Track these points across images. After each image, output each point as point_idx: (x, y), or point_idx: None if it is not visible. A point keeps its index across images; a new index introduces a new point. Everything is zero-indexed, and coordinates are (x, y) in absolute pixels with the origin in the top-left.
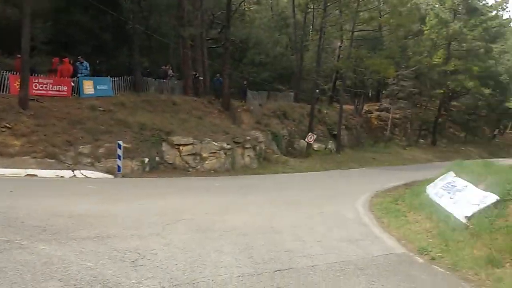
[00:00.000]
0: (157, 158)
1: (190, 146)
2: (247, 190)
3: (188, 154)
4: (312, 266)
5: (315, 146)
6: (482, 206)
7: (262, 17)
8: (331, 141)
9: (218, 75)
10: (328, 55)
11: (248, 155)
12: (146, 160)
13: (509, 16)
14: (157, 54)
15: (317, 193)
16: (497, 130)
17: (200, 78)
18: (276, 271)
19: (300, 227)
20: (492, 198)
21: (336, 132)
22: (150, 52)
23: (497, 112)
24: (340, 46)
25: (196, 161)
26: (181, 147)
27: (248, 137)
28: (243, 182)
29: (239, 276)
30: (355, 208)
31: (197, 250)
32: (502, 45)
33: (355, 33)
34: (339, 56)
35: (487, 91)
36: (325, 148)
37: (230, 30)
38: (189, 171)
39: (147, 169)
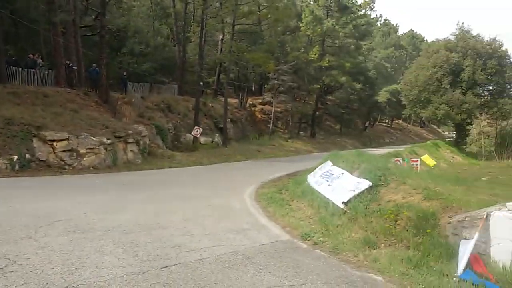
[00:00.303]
0: (27, 156)
1: (65, 142)
2: (131, 187)
3: (63, 151)
4: (201, 260)
5: (202, 139)
6: (357, 191)
7: (141, 5)
8: (217, 135)
9: (94, 65)
10: (211, 48)
11: (131, 150)
12: (15, 158)
13: (376, 15)
14: (25, 42)
15: (204, 187)
16: (368, 122)
17: (74, 68)
18: (163, 267)
19: (188, 221)
20: (366, 184)
21: (222, 125)
22: (17, 40)
23: (367, 105)
24: (222, 39)
25: (73, 158)
26: (54, 143)
27: (131, 131)
28: (126, 178)
29: (123, 276)
30: (242, 199)
31: (76, 252)
32: (370, 43)
33: (236, 27)
34: (221, 49)
35: (358, 85)
36: (212, 142)
37: (106, 17)
38: (65, 169)
39: (17, 167)
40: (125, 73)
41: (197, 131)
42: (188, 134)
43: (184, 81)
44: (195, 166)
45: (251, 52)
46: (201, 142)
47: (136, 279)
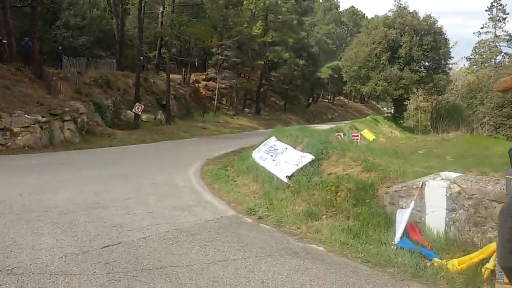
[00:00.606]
0: None
1: None
2: (69, 167)
3: None
4: (144, 238)
5: (144, 117)
6: (300, 165)
7: None
8: (160, 112)
9: (26, 38)
10: (151, 21)
11: (68, 129)
12: None
13: None
14: None
15: (148, 165)
16: (311, 98)
17: (3, 41)
18: (104, 247)
19: (130, 199)
20: (308, 158)
21: (165, 102)
22: None
23: (311, 82)
24: (163, 12)
25: (6, 137)
26: None
27: (67, 109)
28: (64, 158)
29: (62, 257)
30: (187, 177)
31: (10, 234)
32: (312, 18)
33: None
34: (162, 22)
35: (301, 62)
36: (155, 119)
37: None
38: None
39: None
40: (60, 47)
41: (138, 108)
42: (128, 111)
43: (123, 56)
44: (137, 144)
45: (193, 26)
46: (143, 120)
47: (75, 260)
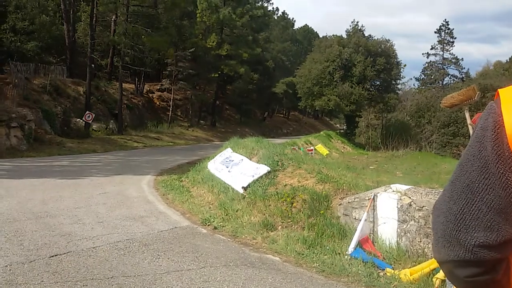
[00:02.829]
0: None
1: None
2: (15, 174)
3: None
4: (94, 248)
5: (95, 126)
6: (256, 176)
7: None
8: (112, 121)
9: None
10: (104, 29)
11: (15, 136)
12: None
13: (272, 8)
14: None
15: (98, 175)
16: (266, 113)
17: None
18: (52, 256)
19: (79, 209)
20: (264, 169)
21: (117, 112)
22: None
23: (266, 96)
24: (115, 20)
25: None
26: None
27: (14, 115)
28: (9, 166)
29: (7, 266)
30: (140, 187)
31: None
32: (268, 34)
33: (131, 8)
34: (114, 31)
35: (256, 76)
36: (106, 128)
37: None
38: None
39: None
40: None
41: (88, 117)
42: (79, 120)
43: (74, 63)
44: (88, 153)
45: (150, 36)
46: (94, 129)
47: (21, 268)
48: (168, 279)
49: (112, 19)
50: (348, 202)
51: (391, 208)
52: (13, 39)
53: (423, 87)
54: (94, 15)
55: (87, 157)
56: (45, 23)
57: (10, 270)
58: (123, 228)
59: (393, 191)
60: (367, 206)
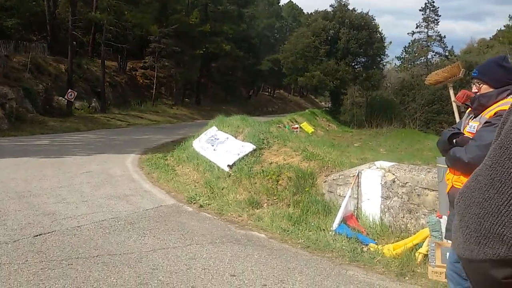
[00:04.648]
0: None
1: None
2: None
3: None
4: (78, 227)
5: (77, 104)
6: (242, 155)
7: None
8: (94, 99)
9: None
10: (85, 5)
11: None
12: None
13: None
14: None
15: (81, 153)
16: (252, 91)
17: None
18: (36, 235)
19: (62, 188)
20: (250, 147)
21: (99, 90)
22: None
23: (251, 74)
24: None
25: None
26: None
27: None
28: None
29: None
30: (124, 166)
31: None
32: (252, 10)
33: None
34: (96, 7)
35: (241, 53)
36: (89, 107)
37: None
38: None
39: None
40: None
41: (71, 95)
42: (61, 98)
43: (55, 40)
44: (71, 132)
45: (133, 12)
46: (76, 107)
47: (5, 248)
48: (154, 256)
49: None
50: (333, 179)
51: (375, 185)
52: None
53: (405, 65)
54: None
55: (70, 136)
56: None
57: None
58: (107, 207)
59: (377, 168)
60: (351, 183)
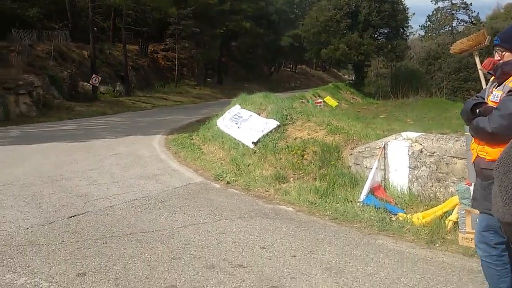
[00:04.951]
0: None
1: None
2: (27, 140)
3: None
4: (111, 207)
5: (102, 89)
6: (266, 131)
7: None
8: (119, 83)
9: None
10: None
11: (24, 102)
12: None
13: None
14: None
15: (109, 136)
16: (273, 67)
17: None
18: (70, 217)
19: (93, 170)
20: (273, 123)
21: (123, 73)
22: None
23: (272, 50)
24: None
25: None
26: None
27: (21, 82)
28: (21, 132)
29: (28, 228)
30: (152, 146)
31: None
32: None
33: None
34: None
35: (261, 30)
36: (114, 91)
37: None
38: None
39: None
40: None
41: (95, 80)
42: (86, 83)
43: (76, 27)
44: (97, 116)
45: None
46: (102, 92)
47: (42, 230)
48: (185, 232)
49: None
50: (359, 151)
51: (402, 156)
52: (12, 6)
53: (430, 34)
54: None
55: (96, 120)
56: None
57: (31, 232)
58: (138, 186)
59: (404, 138)
60: (377, 155)
